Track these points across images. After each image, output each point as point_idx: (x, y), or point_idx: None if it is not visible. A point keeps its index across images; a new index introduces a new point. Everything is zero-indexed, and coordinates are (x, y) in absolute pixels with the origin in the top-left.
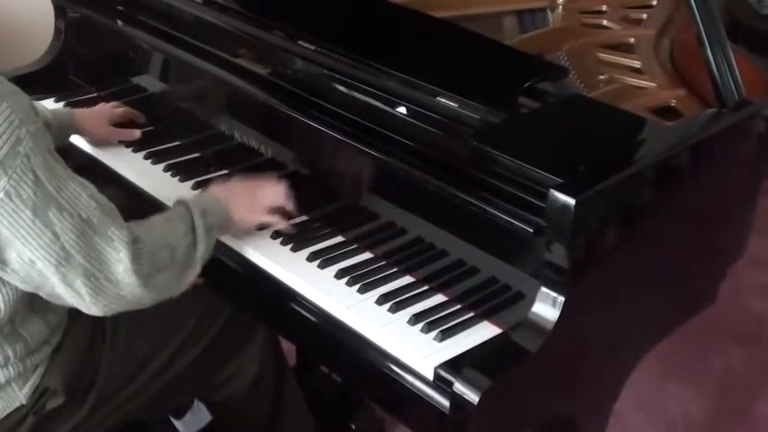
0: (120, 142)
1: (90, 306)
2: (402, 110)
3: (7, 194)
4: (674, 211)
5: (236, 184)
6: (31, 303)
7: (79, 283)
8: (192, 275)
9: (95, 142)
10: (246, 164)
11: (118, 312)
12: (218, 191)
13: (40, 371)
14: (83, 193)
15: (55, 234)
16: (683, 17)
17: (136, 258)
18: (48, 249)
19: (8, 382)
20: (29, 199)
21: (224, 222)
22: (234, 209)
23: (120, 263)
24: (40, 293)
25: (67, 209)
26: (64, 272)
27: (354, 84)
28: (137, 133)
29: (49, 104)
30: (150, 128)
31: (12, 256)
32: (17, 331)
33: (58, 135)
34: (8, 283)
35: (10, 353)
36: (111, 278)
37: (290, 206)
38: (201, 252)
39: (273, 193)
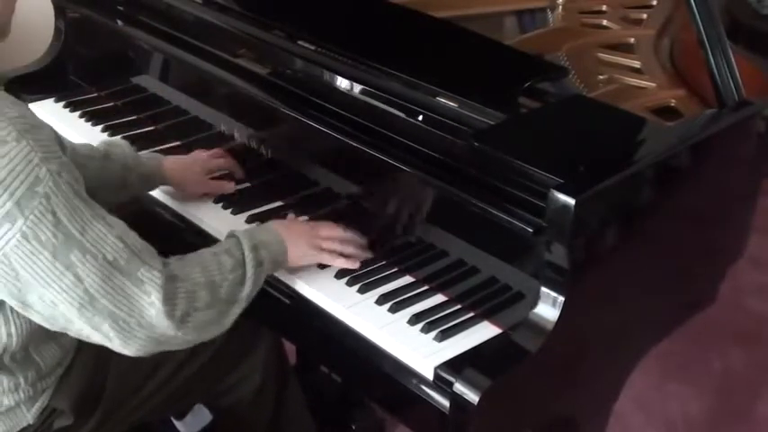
0: None
1: (121, 349)
2: (402, 110)
3: (24, 236)
4: (674, 211)
5: (296, 221)
6: (48, 331)
7: (107, 327)
8: (236, 313)
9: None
10: (246, 164)
11: (154, 353)
12: (275, 226)
13: (48, 392)
14: (109, 234)
15: (77, 277)
16: (683, 17)
17: (169, 299)
18: (70, 293)
19: (17, 404)
20: (48, 241)
21: (278, 258)
22: (291, 246)
23: (152, 306)
24: (70, 334)
25: (92, 251)
26: (89, 315)
27: (354, 84)
28: (231, 186)
29: (49, 104)
30: (150, 128)
31: (34, 298)
32: (30, 357)
33: (141, 185)
34: (22, 315)
35: (21, 380)
36: (142, 323)
37: (352, 252)
38: (249, 289)
39: (334, 236)
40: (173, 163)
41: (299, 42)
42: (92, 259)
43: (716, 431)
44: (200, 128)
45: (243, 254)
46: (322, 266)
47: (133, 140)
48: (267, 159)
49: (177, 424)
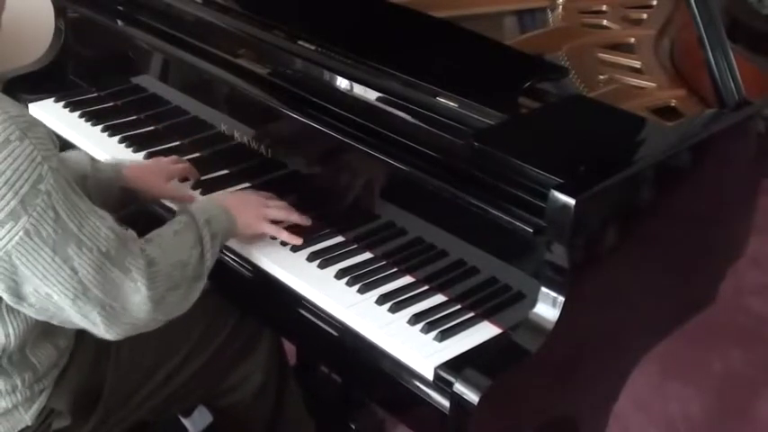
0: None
1: (103, 334)
2: (402, 110)
3: (27, 233)
4: (674, 211)
5: (244, 192)
6: (43, 330)
7: (95, 315)
8: (200, 289)
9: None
10: (246, 164)
11: (129, 335)
12: (222, 198)
13: (46, 393)
14: (102, 227)
15: (73, 269)
16: (683, 17)
17: (152, 284)
18: (65, 284)
19: (15, 406)
20: (49, 237)
21: (229, 229)
22: (239, 216)
23: (137, 293)
24: (53, 321)
25: (87, 244)
26: (81, 304)
27: (354, 84)
28: (195, 195)
29: (49, 104)
30: (150, 128)
31: (29, 290)
32: (27, 358)
33: (99, 189)
34: (19, 314)
35: (18, 382)
36: (127, 307)
37: (296, 220)
38: (209, 263)
39: (280, 206)
40: (133, 168)
41: (299, 42)
42: (87, 252)
43: (716, 431)
44: (201, 128)
45: (199, 229)
46: (323, 266)
47: (133, 140)
48: (267, 159)
49: (185, 421)
